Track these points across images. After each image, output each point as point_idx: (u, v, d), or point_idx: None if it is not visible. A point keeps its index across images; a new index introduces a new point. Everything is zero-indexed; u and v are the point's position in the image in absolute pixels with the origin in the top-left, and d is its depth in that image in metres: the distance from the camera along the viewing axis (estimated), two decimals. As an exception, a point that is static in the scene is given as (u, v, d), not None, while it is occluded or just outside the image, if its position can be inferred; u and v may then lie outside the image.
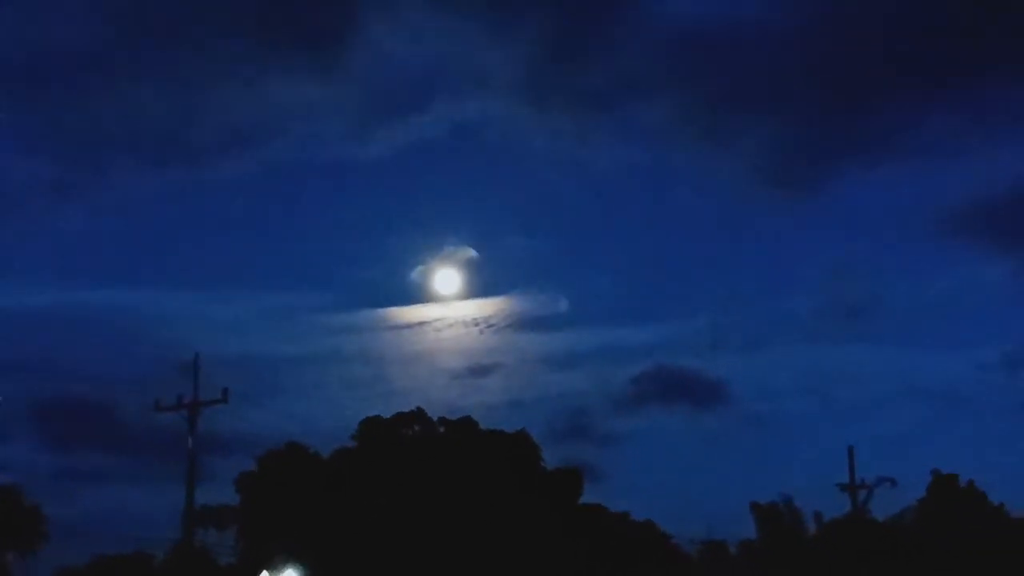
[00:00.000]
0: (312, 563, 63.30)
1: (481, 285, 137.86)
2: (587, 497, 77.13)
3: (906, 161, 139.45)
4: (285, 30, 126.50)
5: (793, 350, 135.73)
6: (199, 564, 62.11)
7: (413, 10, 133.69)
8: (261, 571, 37.82)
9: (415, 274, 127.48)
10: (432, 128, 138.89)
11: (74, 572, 76.36)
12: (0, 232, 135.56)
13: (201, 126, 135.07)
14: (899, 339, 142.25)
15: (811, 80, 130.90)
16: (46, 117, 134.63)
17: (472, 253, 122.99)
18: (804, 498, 79.37)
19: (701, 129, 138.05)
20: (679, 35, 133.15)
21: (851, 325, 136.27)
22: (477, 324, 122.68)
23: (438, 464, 69.72)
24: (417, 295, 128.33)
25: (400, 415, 74.19)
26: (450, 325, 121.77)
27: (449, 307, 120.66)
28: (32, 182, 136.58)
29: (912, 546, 73.15)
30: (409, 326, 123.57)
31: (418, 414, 74.38)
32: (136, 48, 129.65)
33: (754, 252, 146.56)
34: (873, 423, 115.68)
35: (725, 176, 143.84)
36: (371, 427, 73.50)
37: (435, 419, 74.62)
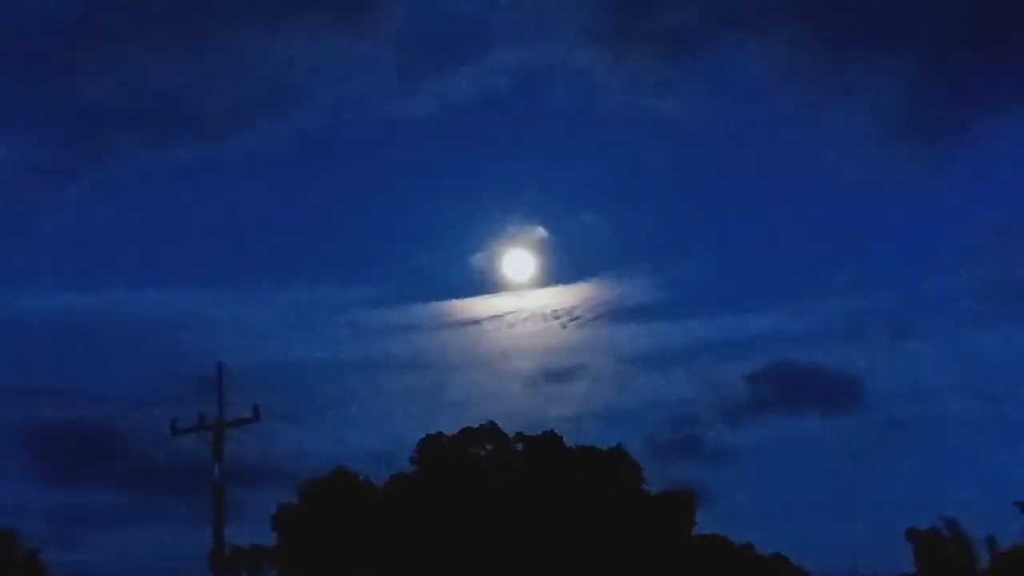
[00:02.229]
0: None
1: (560, 270, 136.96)
2: (700, 526, 76.37)
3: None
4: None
5: (947, 339, 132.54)
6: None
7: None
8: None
9: (479, 259, 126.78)
10: (487, 82, 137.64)
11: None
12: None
13: (215, 95, 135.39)
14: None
15: (949, 11, 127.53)
16: (42, 93, 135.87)
17: (544, 233, 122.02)
18: (973, 522, 77.56)
19: (815, 76, 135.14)
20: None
21: (1019, 307, 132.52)
22: (558, 317, 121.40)
23: (517, 490, 68.97)
24: (483, 284, 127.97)
25: (468, 431, 73.68)
26: (525, 319, 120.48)
27: (523, 297, 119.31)
28: (25, 169, 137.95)
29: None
30: (475, 322, 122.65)
31: (490, 430, 73.85)
32: (138, 10, 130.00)
33: (892, 221, 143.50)
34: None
35: (847, 132, 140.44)
36: (433, 447, 73.07)
37: (511, 435, 74.09)
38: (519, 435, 74.40)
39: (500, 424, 74.53)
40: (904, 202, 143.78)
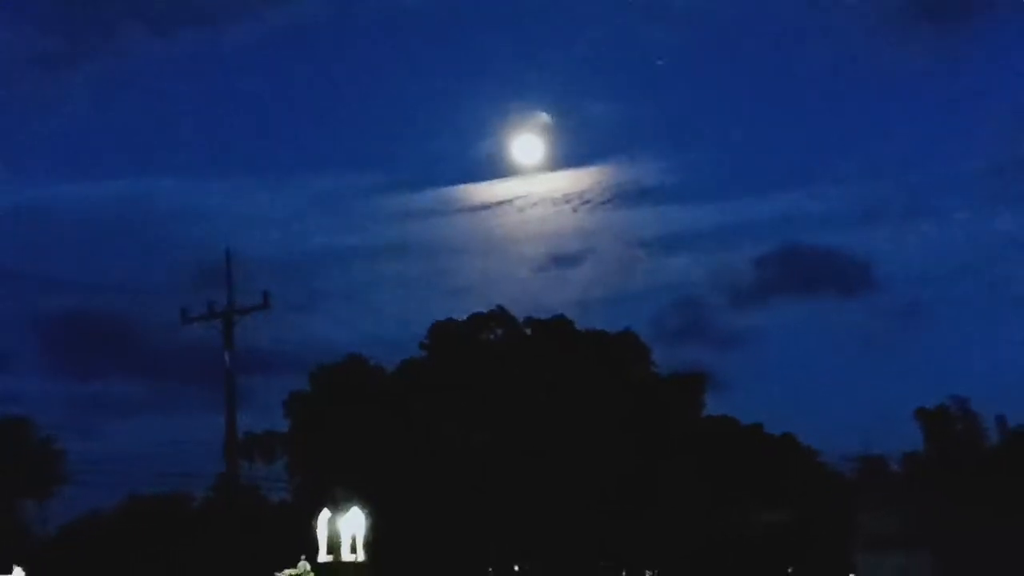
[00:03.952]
0: (380, 498, 63.67)
1: (571, 154, 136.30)
2: (710, 409, 77.05)
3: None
4: None
5: (959, 220, 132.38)
6: (246, 503, 62.76)
7: None
8: (319, 510, 37.62)
9: (488, 144, 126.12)
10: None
11: (104, 518, 78.13)
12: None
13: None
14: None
15: None
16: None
17: (554, 116, 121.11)
18: (982, 401, 78.04)
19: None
20: None
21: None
22: (568, 201, 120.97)
23: (527, 374, 69.49)
24: (493, 169, 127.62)
25: (478, 316, 74.05)
26: (534, 203, 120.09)
27: (533, 181, 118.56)
28: (28, 57, 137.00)
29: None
30: (485, 207, 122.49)
31: (500, 314, 74.16)
32: None
33: (905, 101, 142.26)
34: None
35: (861, 8, 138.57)
36: (444, 333, 73.42)
37: (520, 320, 74.48)
38: (529, 320, 74.63)
39: (510, 309, 74.86)
40: (918, 84, 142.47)
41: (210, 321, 49.86)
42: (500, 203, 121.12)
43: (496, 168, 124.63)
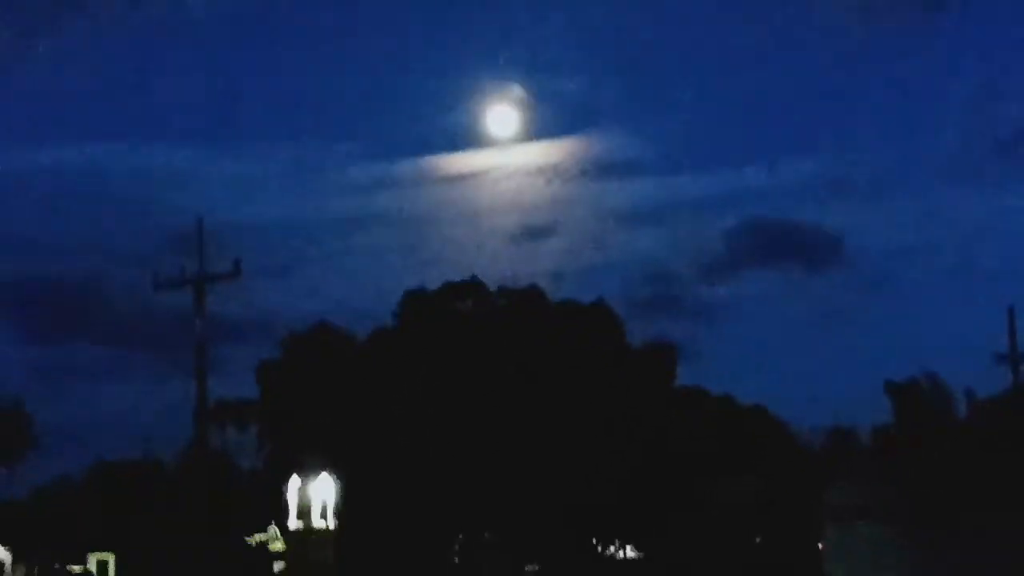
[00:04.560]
0: (351, 465, 63.78)
1: (546, 126, 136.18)
2: (680, 379, 77.19)
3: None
4: None
5: (928, 195, 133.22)
6: (216, 469, 62.81)
7: None
8: (290, 477, 37.84)
9: (462, 114, 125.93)
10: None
11: (72, 483, 78.14)
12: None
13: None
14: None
15: None
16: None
17: (523, 91, 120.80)
18: (952, 374, 78.46)
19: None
20: None
21: (1001, 162, 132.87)
22: (542, 173, 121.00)
23: (499, 344, 69.52)
24: (467, 139, 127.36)
25: (450, 286, 74.03)
26: (508, 175, 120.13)
27: (506, 152, 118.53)
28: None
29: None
30: (459, 177, 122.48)
31: (472, 284, 74.19)
32: None
33: (873, 76, 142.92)
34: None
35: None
36: (416, 302, 73.41)
37: (493, 290, 74.49)
38: (502, 289, 74.63)
39: (483, 279, 74.90)
40: (885, 58, 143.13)
41: (181, 288, 49.90)
42: (474, 174, 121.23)
43: (471, 139, 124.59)
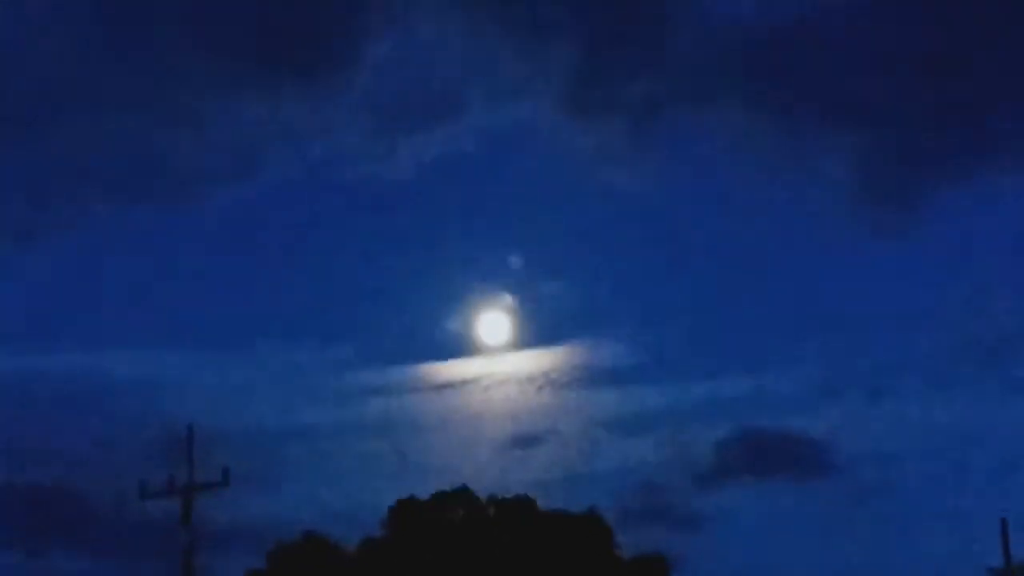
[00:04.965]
0: None
1: (535, 334, 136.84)
2: (674, 593, 76.20)
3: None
4: (264, 42, 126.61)
5: (917, 404, 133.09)
6: None
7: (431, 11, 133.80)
8: None
9: (453, 322, 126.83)
10: (455, 146, 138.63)
11: None
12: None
13: (178, 155, 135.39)
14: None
15: (915, 80, 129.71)
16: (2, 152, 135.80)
17: (518, 298, 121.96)
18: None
19: (782, 141, 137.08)
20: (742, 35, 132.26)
21: (991, 369, 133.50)
22: (533, 381, 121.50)
23: (490, 553, 69.02)
24: (458, 347, 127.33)
25: (441, 495, 73.59)
26: (501, 382, 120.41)
27: (497, 360, 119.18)
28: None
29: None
30: (449, 385, 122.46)
31: (463, 493, 73.77)
32: (96, 73, 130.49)
33: (859, 287, 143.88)
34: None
35: (811, 199, 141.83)
36: (406, 511, 72.94)
37: (484, 499, 74.07)
38: (492, 499, 74.28)
39: (473, 488, 74.45)
40: (870, 269, 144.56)
41: (169, 497, 49.61)
42: (465, 381, 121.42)
43: (462, 347, 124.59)
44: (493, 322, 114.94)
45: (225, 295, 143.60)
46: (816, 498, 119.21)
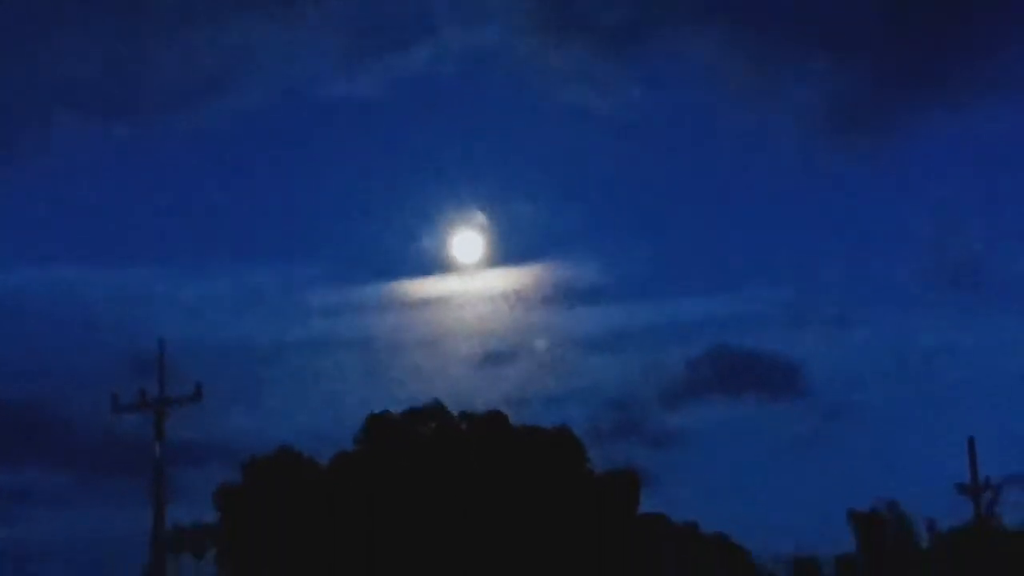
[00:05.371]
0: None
1: (509, 252, 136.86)
2: (643, 507, 76.87)
3: (1010, 98, 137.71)
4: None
5: (887, 325, 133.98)
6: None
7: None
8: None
9: (427, 240, 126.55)
10: (429, 67, 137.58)
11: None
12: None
13: (154, 75, 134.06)
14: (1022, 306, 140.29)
15: (886, 5, 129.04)
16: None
17: (491, 216, 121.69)
18: (913, 503, 78.52)
19: (756, 66, 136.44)
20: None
21: (959, 293, 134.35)
22: (506, 298, 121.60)
23: (462, 468, 69.27)
24: (431, 265, 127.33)
25: (413, 411, 73.87)
26: (472, 300, 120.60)
27: (470, 278, 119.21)
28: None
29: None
30: (422, 303, 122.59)
31: (436, 409, 74.05)
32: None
33: (832, 210, 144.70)
34: (997, 411, 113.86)
35: (788, 122, 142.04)
36: (379, 426, 73.14)
37: (456, 414, 74.38)
38: (465, 414, 74.50)
39: (446, 403, 74.69)
40: (843, 192, 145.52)
41: (141, 411, 49.49)
42: (438, 299, 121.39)
43: (435, 264, 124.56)
44: (466, 240, 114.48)
45: (199, 214, 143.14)
46: (787, 417, 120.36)
